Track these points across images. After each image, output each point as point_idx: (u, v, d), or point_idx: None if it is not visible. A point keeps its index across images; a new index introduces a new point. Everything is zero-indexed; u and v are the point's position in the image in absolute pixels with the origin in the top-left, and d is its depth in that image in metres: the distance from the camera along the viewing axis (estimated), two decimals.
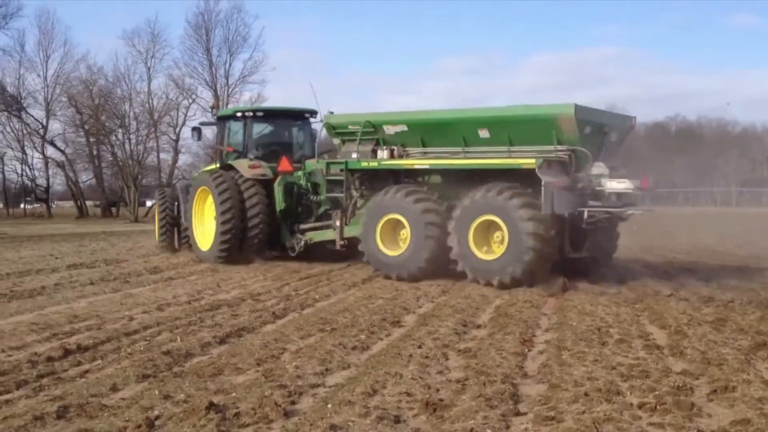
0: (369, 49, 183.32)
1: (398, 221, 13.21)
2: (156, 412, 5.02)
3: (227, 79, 51.71)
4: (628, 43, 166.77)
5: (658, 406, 5.18)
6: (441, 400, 5.32)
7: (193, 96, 51.43)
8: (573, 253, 12.87)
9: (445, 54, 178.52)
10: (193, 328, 8.13)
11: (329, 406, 5.18)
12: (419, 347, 7.14)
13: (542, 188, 11.73)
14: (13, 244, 21.74)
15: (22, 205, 61.22)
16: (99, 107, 48.22)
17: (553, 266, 12.36)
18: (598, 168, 12.26)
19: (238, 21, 51.36)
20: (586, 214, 12.03)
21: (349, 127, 14.55)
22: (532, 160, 11.98)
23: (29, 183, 57.81)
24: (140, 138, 49.69)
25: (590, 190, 12.24)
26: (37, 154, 54.39)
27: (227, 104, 51.03)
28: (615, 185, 12.21)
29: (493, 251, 12.29)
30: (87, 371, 6.23)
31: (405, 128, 13.83)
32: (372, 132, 14.23)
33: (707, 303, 10.08)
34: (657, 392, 5.52)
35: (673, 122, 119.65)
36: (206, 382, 5.82)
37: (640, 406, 5.23)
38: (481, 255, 12.28)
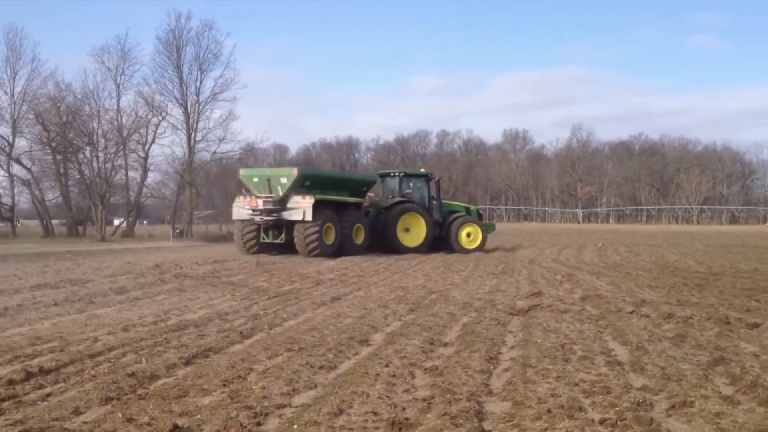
0: (343, 68, 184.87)
1: None
2: None
3: (198, 96, 51.53)
4: (595, 64, 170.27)
5: (618, 422, 5.28)
6: (407, 418, 5.36)
7: (163, 113, 51.21)
8: (265, 239, 25.22)
9: (416, 74, 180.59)
10: (159, 349, 8.08)
11: (295, 426, 5.20)
12: (386, 366, 7.19)
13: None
14: None
15: None
16: (66, 124, 47.56)
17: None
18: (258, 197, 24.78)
19: (210, 38, 51.31)
20: (249, 216, 24.87)
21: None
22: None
23: None
24: (108, 156, 49.09)
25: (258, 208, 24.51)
26: (2, 172, 53.57)
27: (198, 121, 50.92)
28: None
29: None
30: (49, 394, 6.17)
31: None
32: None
33: (667, 319, 10.26)
34: (618, 408, 5.63)
35: (637, 141, 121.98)
36: (171, 405, 5.80)
37: (602, 423, 5.33)
38: None
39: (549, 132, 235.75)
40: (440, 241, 28.69)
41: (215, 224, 52.76)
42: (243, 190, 26.23)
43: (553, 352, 7.83)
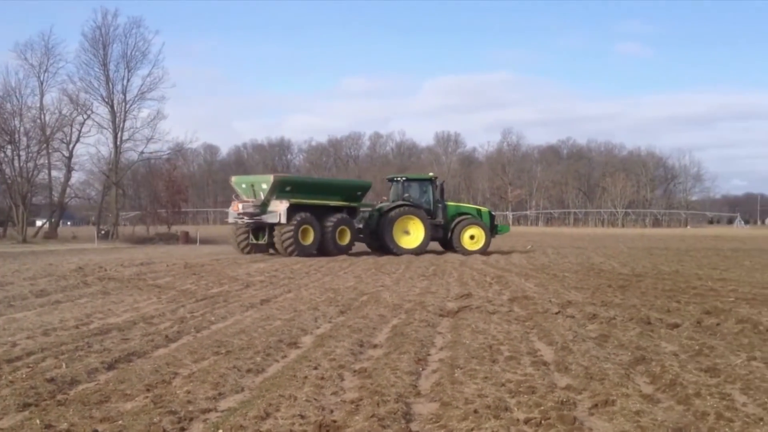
0: (274, 68, 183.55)
1: None
2: None
3: (125, 95, 50.11)
4: (525, 69, 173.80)
5: (542, 422, 5.38)
6: (334, 421, 5.34)
7: (89, 112, 49.72)
8: (254, 240, 27.34)
9: (348, 75, 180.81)
10: (80, 354, 7.84)
11: (220, 431, 5.11)
12: (315, 368, 7.15)
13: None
14: None
15: None
16: None
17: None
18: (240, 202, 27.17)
19: (137, 36, 49.88)
20: (234, 220, 27.33)
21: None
22: None
23: None
24: (31, 155, 47.42)
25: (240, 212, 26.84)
26: None
27: (125, 120, 49.70)
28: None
29: None
30: None
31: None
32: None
33: (592, 320, 10.52)
34: (542, 407, 5.73)
35: (565, 145, 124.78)
36: (91, 410, 5.63)
37: (526, 422, 5.41)
38: None
39: (480, 135, 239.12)
40: (446, 242, 30.28)
41: (142, 225, 51.61)
42: (234, 196, 29.05)
43: (480, 352, 7.92)
